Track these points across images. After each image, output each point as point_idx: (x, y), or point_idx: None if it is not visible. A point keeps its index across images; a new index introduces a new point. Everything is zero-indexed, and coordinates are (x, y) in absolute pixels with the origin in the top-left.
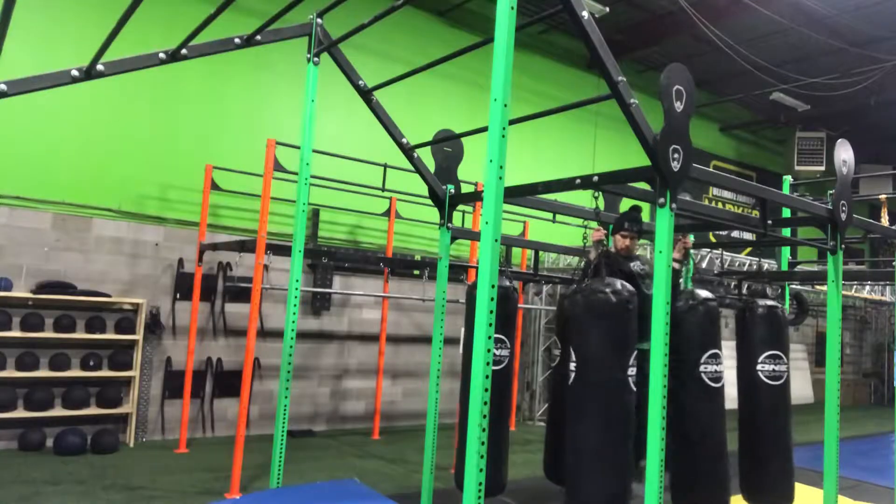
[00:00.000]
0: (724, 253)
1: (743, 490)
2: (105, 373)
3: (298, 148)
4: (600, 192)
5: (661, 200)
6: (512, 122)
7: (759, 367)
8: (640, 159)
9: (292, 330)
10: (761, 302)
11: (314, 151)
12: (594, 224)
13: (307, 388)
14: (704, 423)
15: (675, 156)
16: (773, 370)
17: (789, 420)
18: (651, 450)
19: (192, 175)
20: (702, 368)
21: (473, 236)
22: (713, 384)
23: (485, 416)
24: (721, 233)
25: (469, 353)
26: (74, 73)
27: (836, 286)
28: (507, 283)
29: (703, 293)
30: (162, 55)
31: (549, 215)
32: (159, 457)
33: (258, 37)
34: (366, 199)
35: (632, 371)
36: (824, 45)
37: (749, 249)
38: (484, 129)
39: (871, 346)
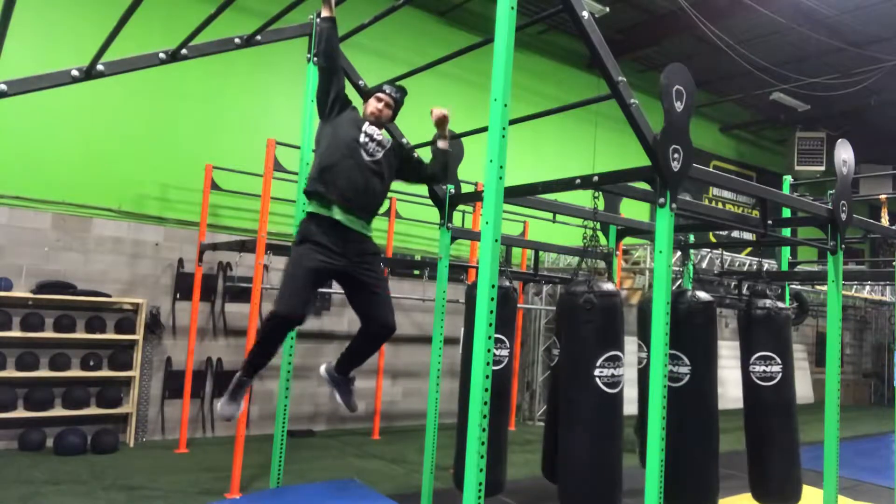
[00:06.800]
0: (724, 253)
1: (751, 490)
2: (105, 373)
3: (298, 148)
4: (600, 192)
5: (661, 200)
6: (512, 122)
7: (750, 368)
8: (640, 159)
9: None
10: (759, 303)
11: (314, 151)
12: (592, 224)
13: (307, 388)
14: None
15: (675, 156)
16: (764, 371)
17: (790, 420)
18: (651, 449)
19: (192, 175)
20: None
21: (473, 236)
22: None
23: (485, 416)
24: (721, 233)
25: (469, 353)
26: (74, 73)
27: (836, 286)
28: (507, 284)
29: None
30: (162, 55)
31: (549, 215)
32: (159, 457)
33: (258, 37)
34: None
35: (601, 371)
36: (824, 45)
37: (749, 249)
38: (484, 129)
39: (871, 346)
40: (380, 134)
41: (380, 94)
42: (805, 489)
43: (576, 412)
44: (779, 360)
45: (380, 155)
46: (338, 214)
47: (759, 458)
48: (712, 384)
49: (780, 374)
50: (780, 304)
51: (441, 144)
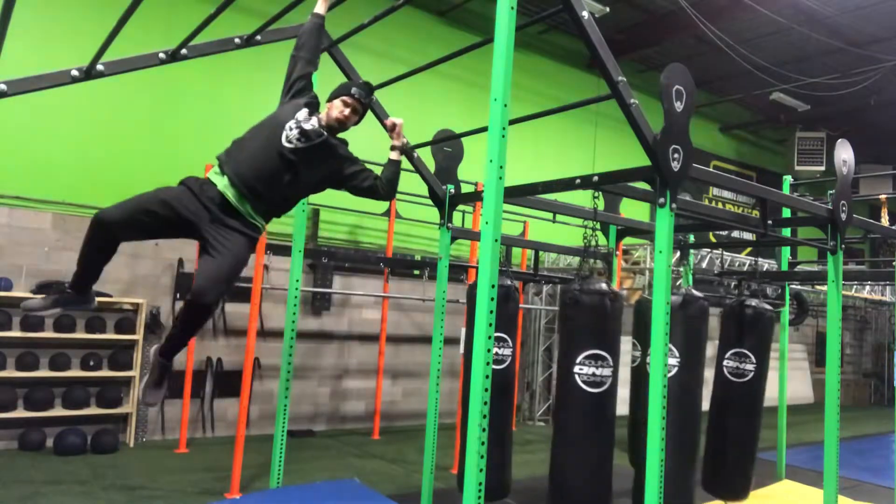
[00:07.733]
0: (724, 253)
1: (702, 481)
2: (105, 373)
3: None
4: (600, 192)
5: (661, 200)
6: (512, 122)
7: (724, 363)
8: (640, 159)
9: (292, 330)
10: (744, 301)
11: None
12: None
13: (307, 388)
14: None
15: (675, 156)
16: (737, 367)
17: (753, 420)
18: (651, 448)
19: (192, 175)
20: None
21: (473, 236)
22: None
23: (485, 416)
24: (721, 233)
25: (470, 352)
26: (74, 73)
27: (836, 286)
28: (508, 282)
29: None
30: (162, 55)
31: (549, 215)
32: (159, 457)
33: (258, 37)
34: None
35: (580, 368)
36: (824, 45)
37: (749, 249)
38: (484, 129)
39: (871, 346)
40: (312, 125)
41: (346, 98)
42: (805, 489)
43: (560, 410)
44: (753, 360)
45: (301, 144)
46: (224, 188)
47: (714, 451)
48: (698, 376)
49: (753, 373)
50: (764, 305)
51: (392, 156)
